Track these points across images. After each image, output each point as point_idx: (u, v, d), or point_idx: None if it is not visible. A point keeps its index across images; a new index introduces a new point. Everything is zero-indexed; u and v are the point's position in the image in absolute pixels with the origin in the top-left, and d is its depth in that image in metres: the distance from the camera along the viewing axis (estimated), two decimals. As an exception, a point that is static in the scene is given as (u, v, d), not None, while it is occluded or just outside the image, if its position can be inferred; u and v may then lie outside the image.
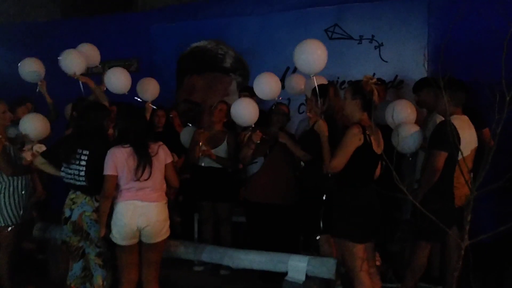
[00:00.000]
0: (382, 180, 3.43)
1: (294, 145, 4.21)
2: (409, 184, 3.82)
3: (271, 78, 4.54)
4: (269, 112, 4.68)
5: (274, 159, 4.45)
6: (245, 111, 4.37)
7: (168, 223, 3.66)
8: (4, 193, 4.18)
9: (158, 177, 3.58)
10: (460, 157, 2.74)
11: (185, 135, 5.29)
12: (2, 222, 4.18)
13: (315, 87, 4.04)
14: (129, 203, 3.50)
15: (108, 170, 3.49)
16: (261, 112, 4.52)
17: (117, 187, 3.54)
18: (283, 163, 4.42)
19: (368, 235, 3.41)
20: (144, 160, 3.49)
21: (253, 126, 4.41)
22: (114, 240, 3.56)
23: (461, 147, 3.09)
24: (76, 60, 4.87)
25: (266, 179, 4.48)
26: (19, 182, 4.26)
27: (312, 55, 4.08)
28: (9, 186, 4.20)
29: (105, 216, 3.53)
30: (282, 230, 4.47)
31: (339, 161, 3.24)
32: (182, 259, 4.36)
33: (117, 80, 4.88)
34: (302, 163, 4.30)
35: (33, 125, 4.56)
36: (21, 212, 4.26)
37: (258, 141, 4.38)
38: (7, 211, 4.17)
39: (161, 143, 3.69)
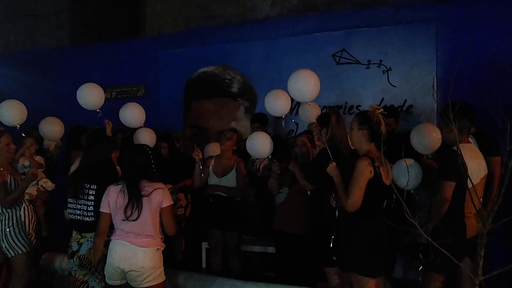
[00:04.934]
0: (390, 208, 3.37)
1: (300, 174, 4.17)
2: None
3: (282, 95, 4.59)
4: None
5: (298, 189, 4.36)
6: (260, 145, 4.39)
7: (159, 270, 3.44)
8: (7, 224, 4.17)
9: (148, 220, 3.38)
10: (470, 185, 2.65)
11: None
12: (12, 252, 4.16)
13: (319, 115, 4.01)
14: (119, 243, 3.41)
15: (102, 207, 3.47)
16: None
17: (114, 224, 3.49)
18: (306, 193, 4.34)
19: (380, 268, 3.34)
20: (133, 200, 3.35)
21: (269, 156, 4.41)
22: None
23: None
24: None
25: (291, 209, 4.44)
26: (21, 213, 4.24)
27: (305, 85, 4.11)
28: (12, 217, 4.19)
29: (98, 252, 3.51)
30: (305, 260, 4.39)
31: (355, 198, 3.19)
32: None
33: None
34: (308, 192, 4.23)
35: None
36: (29, 238, 4.24)
37: (278, 171, 4.36)
38: (13, 241, 4.16)
39: (161, 185, 3.47)
